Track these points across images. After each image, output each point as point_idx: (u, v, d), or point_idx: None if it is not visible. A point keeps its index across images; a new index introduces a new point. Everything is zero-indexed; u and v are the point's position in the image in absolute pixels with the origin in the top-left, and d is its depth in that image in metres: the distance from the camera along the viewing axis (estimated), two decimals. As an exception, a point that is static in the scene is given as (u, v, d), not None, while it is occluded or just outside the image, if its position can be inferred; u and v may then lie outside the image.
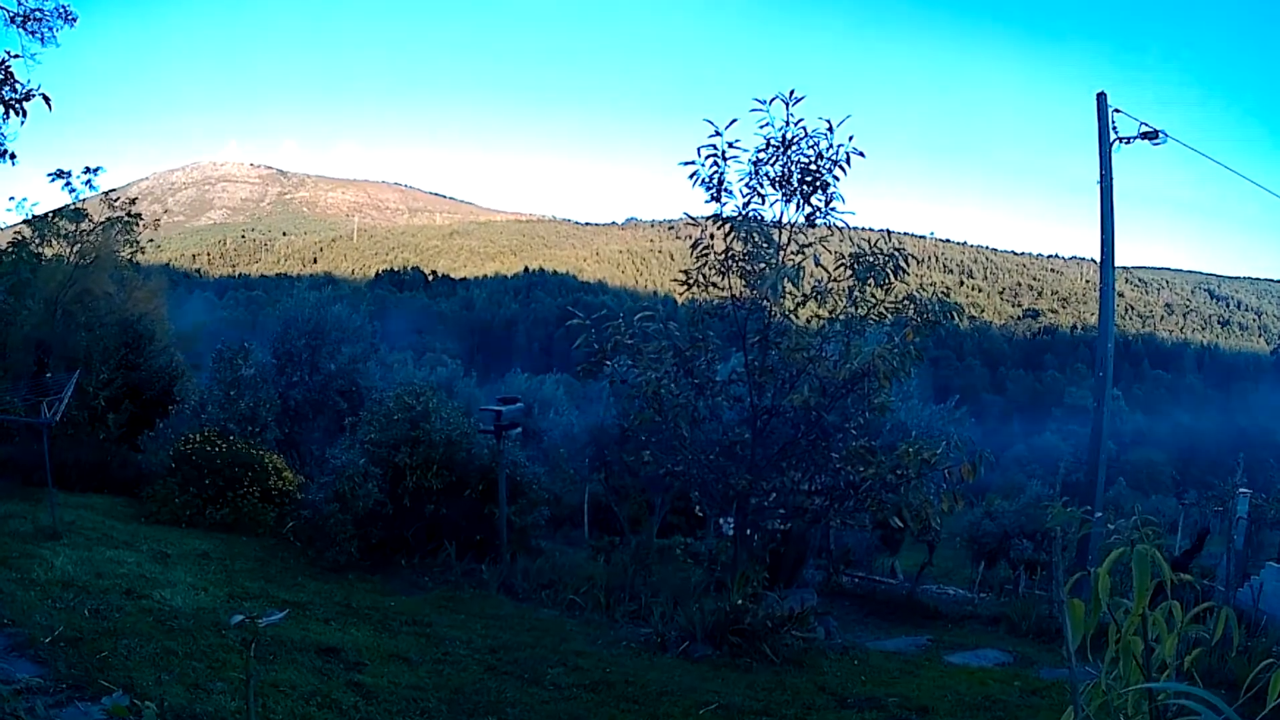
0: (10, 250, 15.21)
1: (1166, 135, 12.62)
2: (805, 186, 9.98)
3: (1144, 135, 12.69)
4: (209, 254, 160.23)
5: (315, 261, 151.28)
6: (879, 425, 12.52)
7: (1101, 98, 12.98)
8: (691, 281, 10.12)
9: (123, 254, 17.26)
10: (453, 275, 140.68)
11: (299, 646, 6.76)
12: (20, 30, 7.76)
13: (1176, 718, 2.17)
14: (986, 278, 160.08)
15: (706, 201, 10.14)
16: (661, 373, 9.86)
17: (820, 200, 10.03)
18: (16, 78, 6.65)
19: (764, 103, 9.71)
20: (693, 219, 10.28)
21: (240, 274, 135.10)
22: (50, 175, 16.02)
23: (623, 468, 17.50)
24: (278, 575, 9.97)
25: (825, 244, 10.27)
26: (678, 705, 6.69)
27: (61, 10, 7.92)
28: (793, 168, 9.94)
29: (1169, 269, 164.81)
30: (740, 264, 9.85)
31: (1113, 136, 12.83)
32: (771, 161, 9.97)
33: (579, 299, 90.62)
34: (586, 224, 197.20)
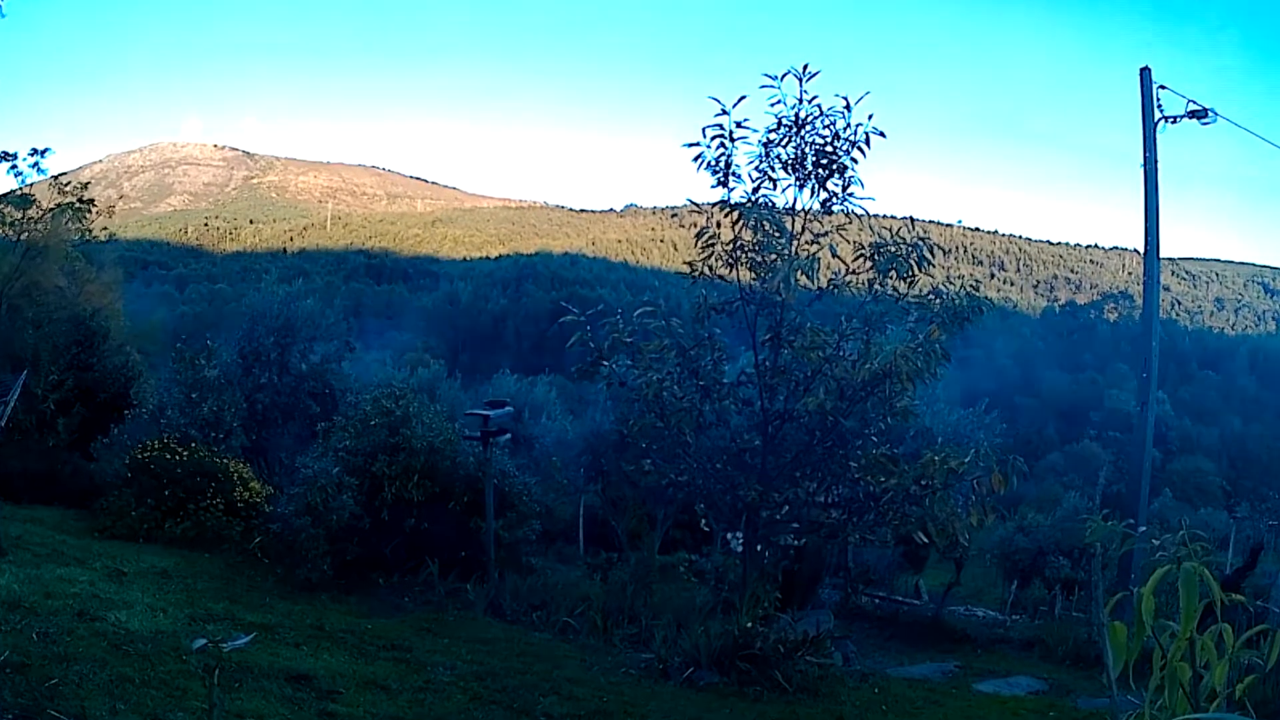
0: (-50, 240, 15.26)
1: (1216, 114, 12.62)
2: (820, 170, 9.98)
3: (1191, 114, 12.69)
4: (169, 243, 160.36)
5: (285, 251, 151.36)
6: (901, 431, 12.50)
7: (1145, 73, 12.98)
8: (696, 274, 10.13)
9: (74, 241, 17.29)
10: (435, 267, 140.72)
11: (267, 673, 6.76)
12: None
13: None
14: (1019, 270, 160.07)
15: (713, 186, 10.14)
16: (664, 374, 9.86)
17: (837, 185, 10.03)
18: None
19: (775, 78, 9.71)
20: (697, 206, 10.28)
21: (204, 265, 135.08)
22: (-7, 158, 16.04)
23: (621, 478, 17.47)
24: (244, 595, 9.97)
25: (843, 233, 10.27)
26: (681, 737, 6.70)
27: (6, -23, 7.91)
28: (807, 149, 9.94)
29: (1219, 260, 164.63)
30: (750, 254, 9.85)
31: (1157, 115, 12.83)
32: (783, 143, 9.97)
33: (574, 293, 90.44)
34: (582, 211, 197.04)
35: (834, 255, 10.16)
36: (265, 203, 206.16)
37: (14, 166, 16.20)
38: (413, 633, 9.40)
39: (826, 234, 10.14)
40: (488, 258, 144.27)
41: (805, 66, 9.70)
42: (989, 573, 22.01)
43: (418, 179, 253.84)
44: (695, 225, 10.21)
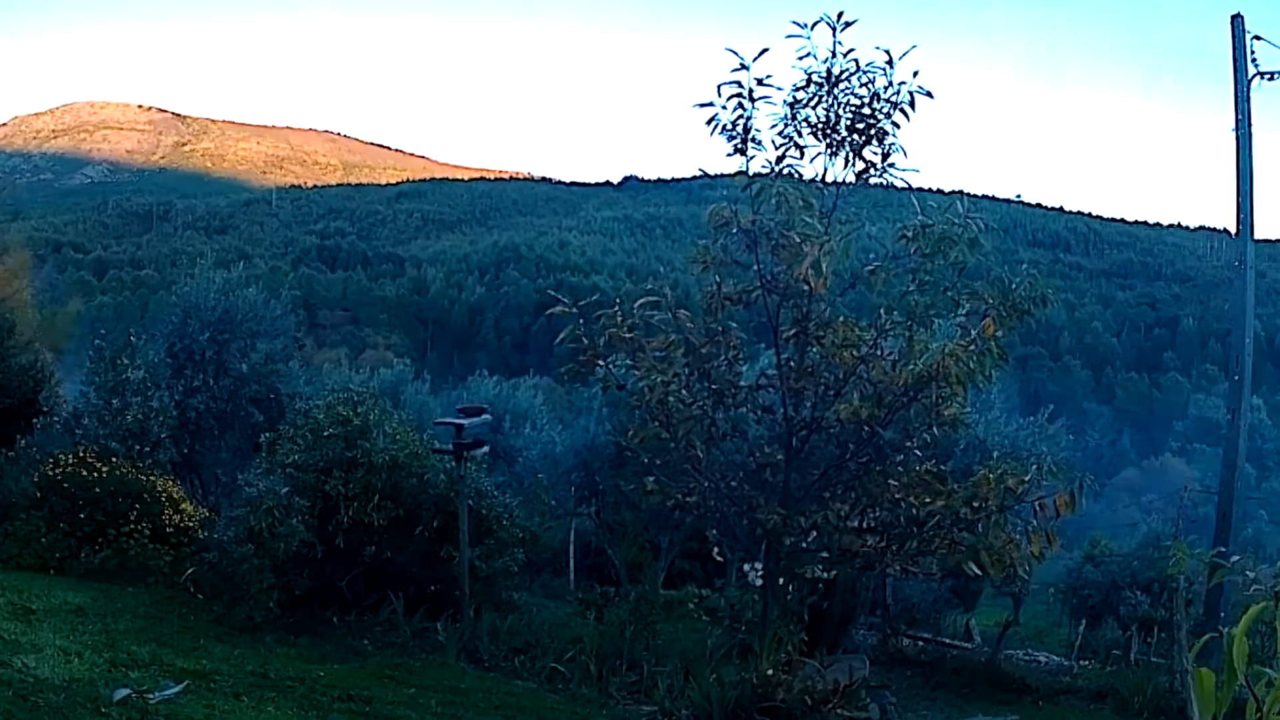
0: None
1: (1322, 69, 12.63)
2: (856, 135, 9.99)
3: (1292, 69, 12.69)
4: (86, 222, 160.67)
5: (223, 231, 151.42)
6: (950, 444, 12.53)
7: (1236, 21, 12.99)
8: (709, 259, 10.13)
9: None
10: (400, 249, 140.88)
11: (201, 728, 6.76)
12: None
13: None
14: (1089, 253, 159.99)
15: (729, 155, 10.18)
16: (669, 376, 9.87)
17: (875, 153, 10.05)
18: None
19: (804, 27, 9.73)
20: (710, 178, 10.29)
21: (126, 248, 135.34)
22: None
23: (619, 498, 17.51)
24: (173, 637, 9.99)
25: (882, 209, 10.28)
26: (690, 805, 6.70)
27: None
28: (840, 111, 9.95)
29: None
30: (772, 235, 9.86)
31: (1251, 71, 12.84)
32: (813, 103, 9.98)
33: (563, 280, 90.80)
34: (573, 184, 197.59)
35: (871, 236, 10.17)
36: (199, 173, 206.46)
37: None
38: (373, 681, 9.41)
39: (863, 210, 10.14)
40: (461, 249, 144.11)
41: (840, 15, 9.72)
42: (1053, 610, 22.05)
43: (379, 145, 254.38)
44: (707, 200, 10.22)
